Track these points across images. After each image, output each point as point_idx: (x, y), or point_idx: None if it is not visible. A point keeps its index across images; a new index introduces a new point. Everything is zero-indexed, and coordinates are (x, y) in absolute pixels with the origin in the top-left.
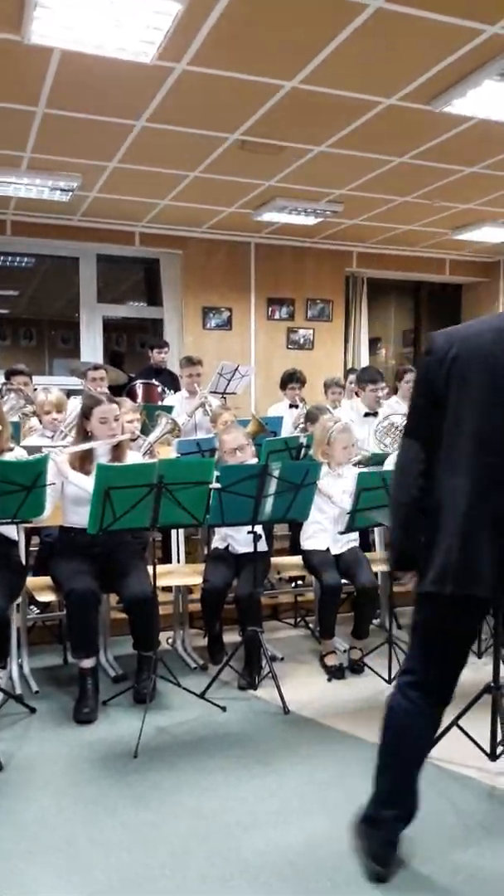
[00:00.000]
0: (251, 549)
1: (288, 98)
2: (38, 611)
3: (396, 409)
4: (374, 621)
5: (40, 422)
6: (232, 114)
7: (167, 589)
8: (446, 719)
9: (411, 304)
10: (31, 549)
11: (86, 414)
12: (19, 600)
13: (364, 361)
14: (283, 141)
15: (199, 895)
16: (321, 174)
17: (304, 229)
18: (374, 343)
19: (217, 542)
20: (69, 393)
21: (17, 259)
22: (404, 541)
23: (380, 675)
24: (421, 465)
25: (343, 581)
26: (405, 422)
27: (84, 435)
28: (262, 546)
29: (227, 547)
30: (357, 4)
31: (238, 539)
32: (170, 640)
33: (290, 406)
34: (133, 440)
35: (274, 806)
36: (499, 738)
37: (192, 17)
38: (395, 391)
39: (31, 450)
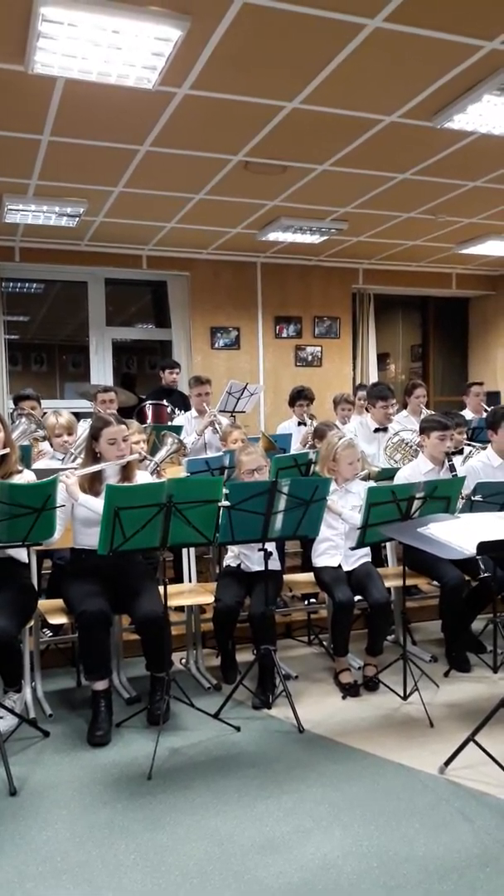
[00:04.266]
0: (263, 567)
1: (289, 118)
2: (50, 634)
3: (406, 424)
4: (389, 637)
5: (51, 445)
6: (234, 136)
7: (180, 609)
8: (462, 735)
9: (419, 319)
10: (43, 571)
11: (94, 436)
12: (32, 623)
13: (373, 377)
14: (285, 161)
15: None
16: (325, 193)
17: (309, 248)
18: (382, 359)
19: (229, 560)
20: (79, 416)
21: (27, 285)
22: None
23: (395, 692)
24: None
25: (356, 597)
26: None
27: (93, 456)
28: (275, 564)
29: (238, 565)
30: (355, 25)
31: (251, 557)
32: (183, 661)
33: (299, 423)
34: (140, 461)
35: (289, 826)
36: None
37: (192, 43)
38: (404, 406)
39: (41, 473)
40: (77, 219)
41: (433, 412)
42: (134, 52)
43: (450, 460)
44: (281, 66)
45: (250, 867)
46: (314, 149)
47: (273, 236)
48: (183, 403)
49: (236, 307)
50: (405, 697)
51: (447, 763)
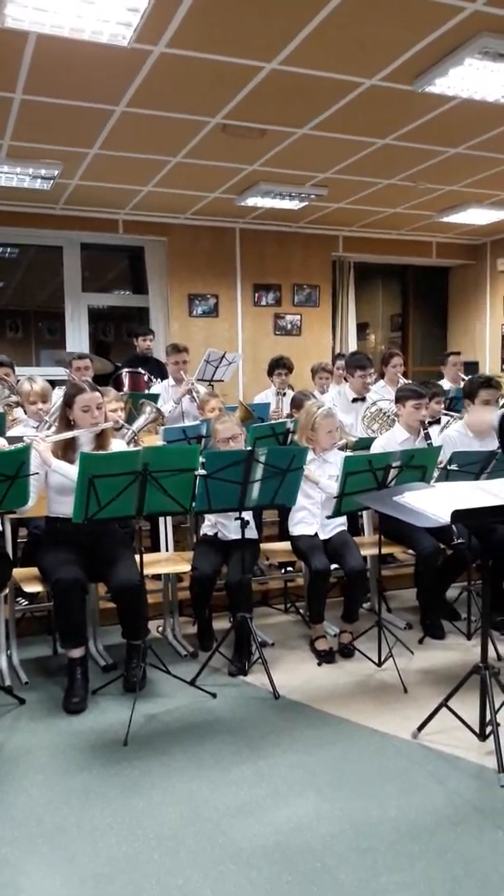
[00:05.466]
0: (240, 536)
1: (268, 80)
2: (26, 602)
3: (383, 394)
4: (364, 605)
5: (25, 412)
6: (212, 97)
7: (156, 577)
8: (435, 701)
9: (399, 288)
10: (18, 540)
11: (68, 402)
12: (6, 591)
13: (352, 347)
14: (264, 124)
15: (189, 880)
16: (304, 157)
17: (288, 214)
18: (362, 328)
19: (206, 529)
20: (54, 383)
21: (1, 249)
22: None
23: (370, 659)
24: None
25: (332, 566)
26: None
27: (67, 424)
28: (252, 532)
29: (216, 534)
30: None
31: (228, 526)
32: (159, 629)
33: (277, 393)
34: (117, 429)
35: (264, 790)
36: (488, 717)
37: None
38: (382, 376)
39: (14, 440)
40: (51, 181)
41: (410, 382)
42: (108, 8)
43: (425, 429)
44: (259, 26)
45: (225, 830)
46: (293, 112)
47: (252, 201)
48: (159, 371)
49: (215, 274)
50: (380, 664)
51: (420, 728)
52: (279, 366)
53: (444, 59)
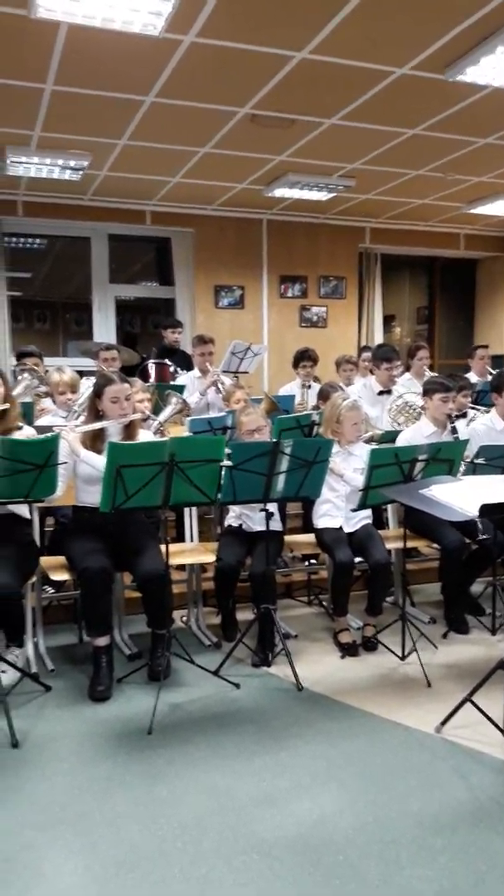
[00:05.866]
0: (265, 527)
1: (298, 69)
2: (52, 590)
3: (409, 387)
4: (388, 599)
5: (54, 402)
6: (241, 87)
7: (181, 567)
8: (459, 696)
9: (425, 280)
10: (45, 529)
11: (97, 393)
12: (34, 580)
13: (378, 339)
14: (293, 114)
15: (212, 869)
16: (333, 148)
17: (316, 205)
18: (388, 320)
19: (231, 520)
20: (82, 374)
21: (30, 241)
22: None
23: (393, 652)
24: None
25: (357, 559)
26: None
27: (96, 414)
28: (276, 524)
29: (240, 525)
30: None
31: (252, 517)
32: (184, 619)
33: (302, 385)
34: (144, 420)
35: (286, 782)
36: None
37: None
38: (408, 369)
39: (43, 429)
40: (81, 172)
41: (437, 374)
42: None
43: (452, 423)
44: (290, 14)
45: (247, 821)
46: (322, 102)
47: (279, 192)
48: (185, 363)
49: (241, 265)
50: (403, 658)
51: (444, 722)
52: (304, 358)
53: (475, 47)
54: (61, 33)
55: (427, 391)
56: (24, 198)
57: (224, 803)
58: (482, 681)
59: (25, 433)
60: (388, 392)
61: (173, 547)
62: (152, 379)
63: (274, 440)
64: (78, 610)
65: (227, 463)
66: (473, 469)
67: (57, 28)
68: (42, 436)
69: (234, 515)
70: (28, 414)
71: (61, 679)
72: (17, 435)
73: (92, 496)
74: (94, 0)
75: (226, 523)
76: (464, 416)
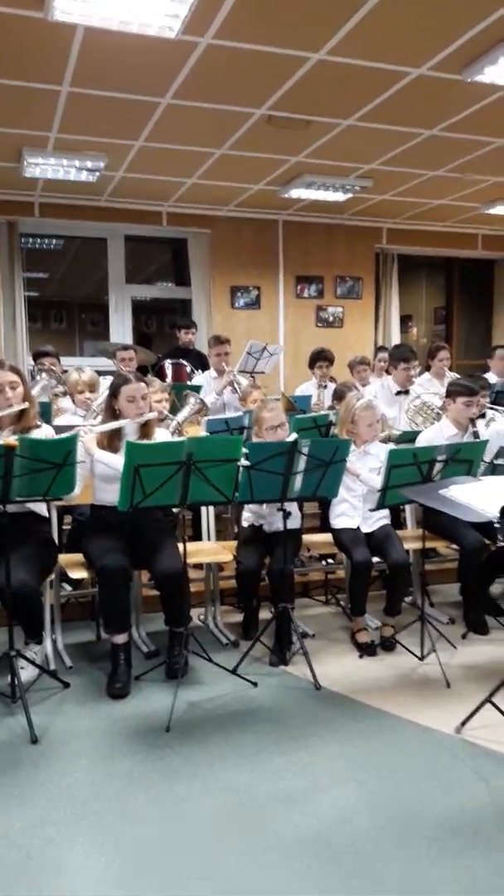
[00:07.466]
0: (283, 527)
1: (315, 70)
2: (71, 588)
3: (428, 387)
4: (406, 599)
5: (73, 401)
6: (258, 88)
7: (198, 566)
8: (479, 697)
9: (443, 280)
10: (63, 527)
11: (114, 393)
12: (52, 577)
13: (395, 339)
14: (310, 115)
15: (230, 869)
16: (349, 149)
17: (332, 205)
18: (405, 321)
19: (247, 520)
20: (99, 374)
21: (46, 241)
22: None
23: (412, 652)
24: None
25: (374, 559)
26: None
27: (112, 414)
28: (295, 522)
29: (261, 525)
30: None
31: (271, 517)
32: (201, 617)
33: (318, 385)
34: (161, 420)
35: (306, 781)
36: None
37: None
38: (427, 369)
39: (61, 429)
40: (97, 173)
41: (459, 376)
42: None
43: (474, 426)
44: (307, 16)
45: (267, 819)
46: (339, 103)
47: (296, 193)
48: (200, 363)
49: (257, 266)
50: (422, 658)
51: (463, 723)
52: (320, 358)
53: (494, 47)
54: (78, 35)
55: (450, 393)
56: (40, 199)
57: (243, 802)
58: (503, 681)
59: (44, 432)
60: (406, 392)
61: (191, 545)
62: (169, 379)
63: (291, 440)
64: (96, 607)
65: (244, 463)
66: (493, 469)
67: (74, 30)
68: (60, 435)
69: (250, 514)
70: (46, 414)
71: (79, 676)
72: (35, 434)
73: (110, 495)
74: (111, 2)
75: (243, 523)
76: (482, 416)
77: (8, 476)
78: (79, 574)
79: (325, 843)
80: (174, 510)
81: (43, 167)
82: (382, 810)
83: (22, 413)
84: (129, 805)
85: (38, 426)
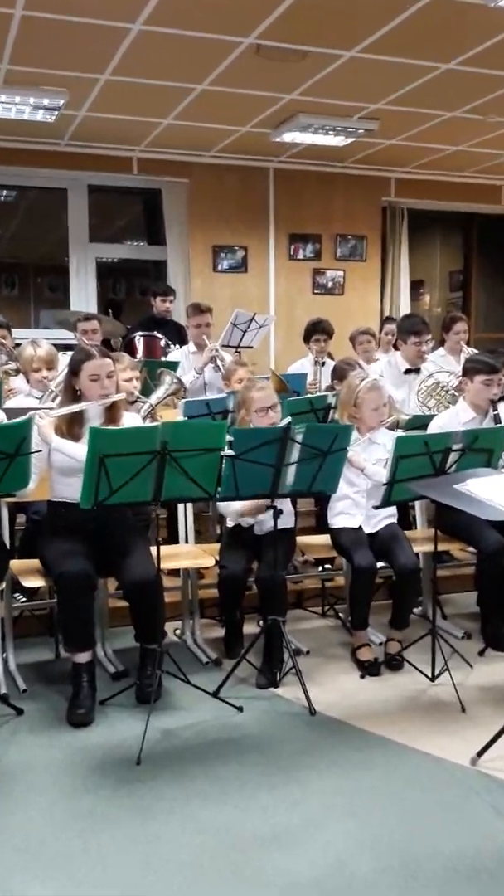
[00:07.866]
0: (273, 527)
1: None
2: (24, 598)
3: (442, 365)
4: (416, 610)
5: (27, 381)
6: (245, 12)
7: (174, 573)
8: (498, 723)
9: (460, 240)
10: (16, 528)
11: (74, 370)
12: (3, 586)
13: (404, 309)
14: (305, 45)
15: None
16: (352, 85)
17: (332, 151)
18: (415, 287)
19: (233, 521)
20: (57, 348)
21: None
22: None
23: (421, 672)
24: None
25: (379, 564)
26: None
27: (73, 395)
28: (288, 520)
29: (251, 525)
30: None
31: (260, 517)
32: (177, 632)
33: (315, 362)
34: (132, 402)
35: (298, 819)
36: None
37: None
38: (441, 343)
39: (14, 413)
40: (56, 112)
41: (477, 351)
42: None
43: (495, 409)
44: None
45: (253, 862)
46: (341, 31)
47: (289, 137)
48: (178, 336)
49: (244, 222)
50: (433, 678)
51: (480, 753)
52: (317, 330)
53: None
54: None
55: (467, 371)
56: None
57: (226, 842)
58: None
59: None
60: (417, 371)
61: (166, 549)
62: (140, 354)
63: (283, 425)
64: (54, 621)
65: (228, 452)
66: None
67: None
68: (12, 421)
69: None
70: None
71: (35, 701)
72: None
73: (70, 490)
74: None
75: (228, 523)
76: (503, 398)
77: None
78: (34, 582)
79: (320, 889)
80: (146, 508)
81: None
82: (386, 852)
83: None
84: (94, 846)
85: None
